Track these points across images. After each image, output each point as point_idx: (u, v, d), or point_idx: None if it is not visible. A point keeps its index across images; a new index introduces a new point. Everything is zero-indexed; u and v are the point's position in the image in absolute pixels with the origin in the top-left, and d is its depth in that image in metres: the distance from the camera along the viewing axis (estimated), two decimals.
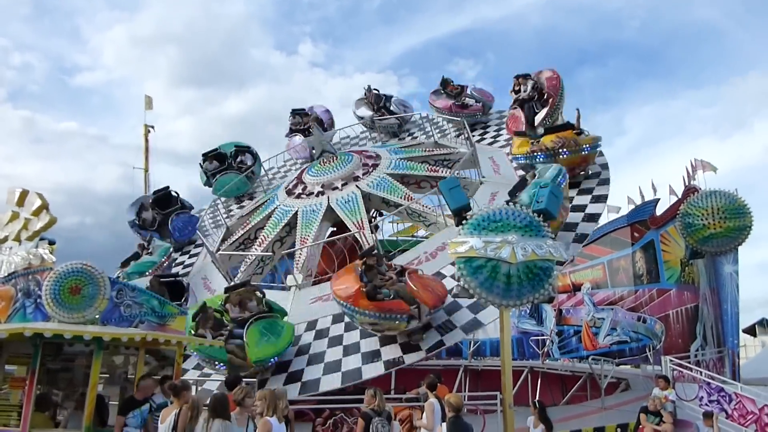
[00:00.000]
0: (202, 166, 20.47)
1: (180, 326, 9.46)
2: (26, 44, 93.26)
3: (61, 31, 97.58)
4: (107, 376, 9.41)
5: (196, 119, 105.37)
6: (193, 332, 10.34)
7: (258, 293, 11.79)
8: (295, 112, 21.78)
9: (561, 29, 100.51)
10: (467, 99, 19.66)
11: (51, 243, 9.81)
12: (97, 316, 8.20)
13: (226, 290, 11.92)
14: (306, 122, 20.91)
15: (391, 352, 10.76)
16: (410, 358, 10.57)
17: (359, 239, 13.84)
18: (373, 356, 10.85)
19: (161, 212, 18.94)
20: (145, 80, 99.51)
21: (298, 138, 20.97)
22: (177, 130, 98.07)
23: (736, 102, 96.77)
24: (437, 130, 19.11)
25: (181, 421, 6.26)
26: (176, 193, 19.96)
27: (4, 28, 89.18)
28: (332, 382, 10.54)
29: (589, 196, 13.02)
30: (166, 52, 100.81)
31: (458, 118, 18.40)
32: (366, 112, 21.15)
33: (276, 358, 10.92)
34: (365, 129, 21.96)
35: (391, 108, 21.02)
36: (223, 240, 16.89)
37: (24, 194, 9.72)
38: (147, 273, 15.47)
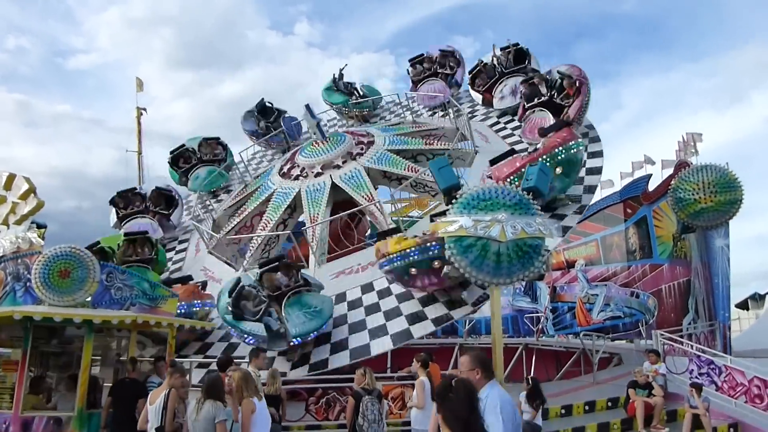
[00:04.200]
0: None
1: (171, 308, 9.51)
2: (19, 27, 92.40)
3: (54, 13, 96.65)
4: (100, 358, 9.48)
5: (193, 101, 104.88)
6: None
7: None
8: (413, 61, 21.35)
9: (558, 2, 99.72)
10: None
11: (40, 227, 9.80)
12: (88, 299, 8.24)
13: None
14: (428, 67, 20.76)
15: (436, 310, 10.90)
16: (457, 314, 10.81)
17: (367, 213, 13.92)
18: (418, 317, 10.95)
19: (267, 121, 20.90)
20: (140, 63, 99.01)
21: (430, 84, 20.50)
22: (173, 113, 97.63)
23: (735, 74, 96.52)
24: (410, 112, 19.14)
25: (171, 403, 6.30)
26: (270, 103, 21.54)
27: None
28: (383, 344, 10.66)
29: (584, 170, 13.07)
30: (161, 34, 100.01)
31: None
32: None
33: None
34: (336, 116, 22.20)
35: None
36: (214, 232, 16.79)
37: (11, 178, 9.69)
38: None
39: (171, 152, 20.66)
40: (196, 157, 20.30)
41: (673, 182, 15.92)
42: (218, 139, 20.92)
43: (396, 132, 16.88)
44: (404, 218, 21.48)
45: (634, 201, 19.37)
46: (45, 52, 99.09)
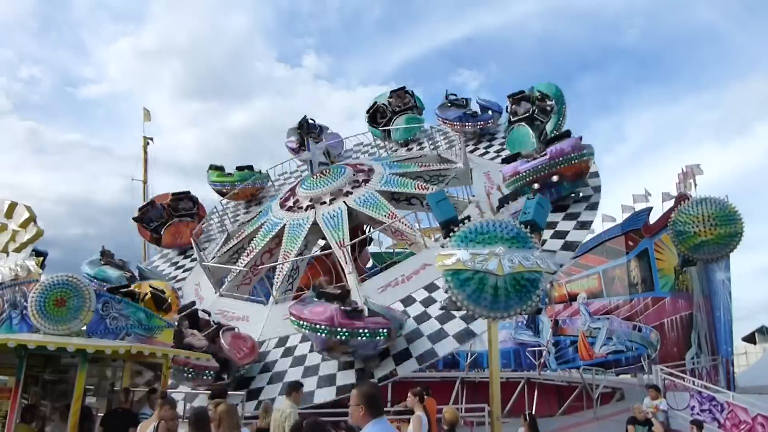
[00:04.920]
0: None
1: (167, 338, 9.46)
2: (33, 56, 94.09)
3: (67, 43, 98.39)
4: (93, 387, 9.42)
5: (201, 131, 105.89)
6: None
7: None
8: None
9: (562, 36, 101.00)
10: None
11: (39, 254, 9.85)
12: (83, 328, 8.21)
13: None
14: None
15: (346, 377, 11.02)
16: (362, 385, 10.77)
17: (341, 257, 13.87)
18: (329, 380, 11.09)
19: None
20: (149, 93, 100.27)
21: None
22: (181, 142, 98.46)
23: (738, 106, 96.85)
24: (445, 141, 19.28)
25: None
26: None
27: (11, 42, 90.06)
28: (445, 347, 10.93)
29: (584, 204, 13.14)
30: (170, 65, 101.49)
31: (452, 130, 18.66)
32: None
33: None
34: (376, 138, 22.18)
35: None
36: (223, 245, 17.03)
37: (12, 206, 9.77)
38: None
39: (367, 111, 21.56)
40: (390, 110, 20.80)
41: (673, 215, 15.90)
42: (404, 88, 21.46)
43: (399, 170, 16.80)
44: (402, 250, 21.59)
45: (636, 234, 19.37)
46: (57, 82, 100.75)
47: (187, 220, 20.07)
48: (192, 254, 18.95)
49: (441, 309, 10.50)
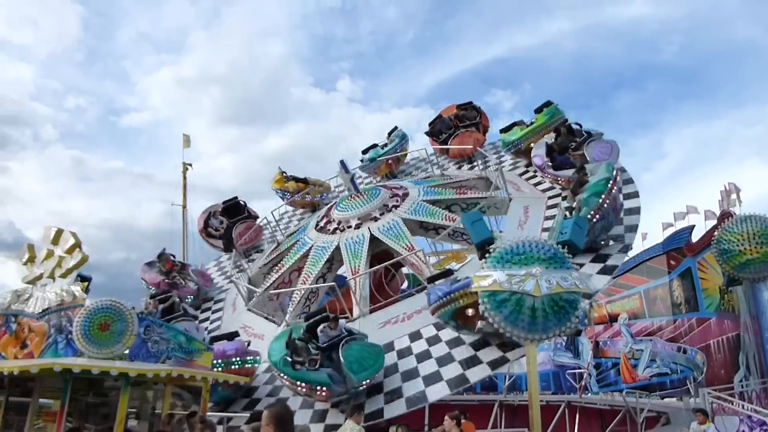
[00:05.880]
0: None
1: (206, 362, 9.59)
2: (79, 88, 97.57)
3: (111, 74, 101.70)
4: (135, 411, 9.58)
5: (238, 156, 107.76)
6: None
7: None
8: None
9: (597, 54, 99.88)
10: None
11: (84, 279, 10.12)
12: (125, 352, 8.40)
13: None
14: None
15: (491, 353, 10.66)
16: (513, 355, 10.52)
17: (405, 263, 13.90)
18: (472, 361, 10.71)
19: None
20: (189, 120, 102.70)
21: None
22: (219, 167, 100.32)
23: None
24: (437, 167, 19.56)
25: None
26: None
27: (58, 73, 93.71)
28: (439, 391, 10.42)
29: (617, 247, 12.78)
30: (209, 93, 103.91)
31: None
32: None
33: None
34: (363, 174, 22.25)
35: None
36: (268, 255, 17.09)
37: (59, 233, 10.11)
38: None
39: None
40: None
41: (716, 233, 15.52)
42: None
43: (429, 184, 16.96)
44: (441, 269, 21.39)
45: (678, 252, 18.94)
46: (101, 111, 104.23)
47: (472, 129, 20.45)
48: (253, 256, 19.77)
49: (476, 331, 10.36)
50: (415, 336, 12.12)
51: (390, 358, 11.67)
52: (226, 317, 17.01)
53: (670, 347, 19.09)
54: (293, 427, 3.74)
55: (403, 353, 11.83)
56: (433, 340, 11.68)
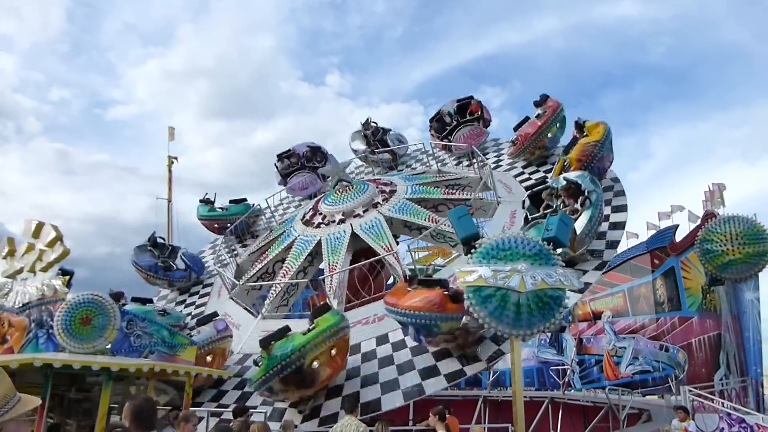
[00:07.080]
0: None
1: (190, 356, 9.51)
2: (63, 80, 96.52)
3: (96, 66, 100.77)
4: (117, 406, 9.47)
5: (225, 150, 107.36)
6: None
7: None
8: (281, 156, 21.71)
9: (585, 53, 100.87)
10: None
11: (65, 273, 9.99)
12: (107, 347, 8.31)
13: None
14: (295, 162, 21.25)
15: (450, 365, 10.58)
16: (471, 369, 10.44)
17: (386, 263, 13.83)
18: (431, 372, 10.65)
19: (162, 255, 18.57)
20: (175, 113, 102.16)
21: (297, 178, 21.22)
22: (205, 161, 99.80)
23: (766, 124, 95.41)
24: (435, 161, 19.26)
25: None
26: (162, 238, 19.58)
27: (42, 65, 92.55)
28: (394, 400, 10.32)
29: (607, 224, 12.80)
30: (196, 86, 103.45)
31: (462, 145, 18.60)
32: (360, 145, 21.43)
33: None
34: (361, 163, 22.14)
35: (387, 142, 21.23)
36: (237, 277, 16.83)
37: (40, 226, 9.95)
38: None
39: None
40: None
41: (700, 233, 15.63)
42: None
43: (420, 181, 16.92)
44: (426, 266, 21.42)
45: (662, 252, 19.10)
46: (85, 104, 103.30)
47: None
48: (247, 242, 19.62)
49: (461, 326, 10.34)
50: (382, 339, 12.00)
51: (353, 361, 11.57)
52: (211, 303, 16.94)
53: (652, 345, 19.27)
54: (153, 420, 3.73)
55: (368, 356, 11.76)
56: (399, 345, 11.54)
